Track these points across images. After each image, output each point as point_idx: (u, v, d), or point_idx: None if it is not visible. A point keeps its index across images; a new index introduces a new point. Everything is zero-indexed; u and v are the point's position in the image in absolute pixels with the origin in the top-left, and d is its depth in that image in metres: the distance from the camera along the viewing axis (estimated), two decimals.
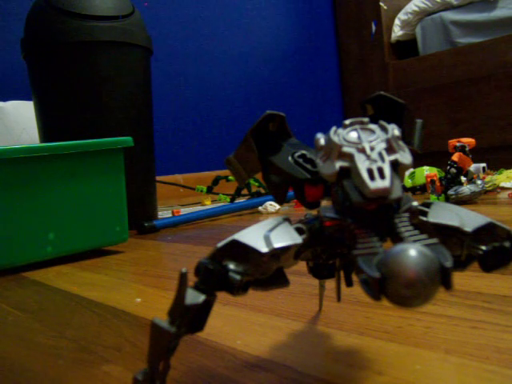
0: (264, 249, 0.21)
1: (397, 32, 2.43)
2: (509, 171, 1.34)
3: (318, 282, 0.36)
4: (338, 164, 0.20)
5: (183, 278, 0.20)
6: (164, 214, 1.24)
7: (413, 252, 0.17)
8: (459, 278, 0.46)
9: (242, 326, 0.38)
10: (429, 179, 1.06)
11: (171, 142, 1.95)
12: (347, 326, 0.36)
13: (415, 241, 0.19)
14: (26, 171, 0.69)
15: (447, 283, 0.17)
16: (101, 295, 0.52)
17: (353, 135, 0.21)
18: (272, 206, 1.15)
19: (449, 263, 0.17)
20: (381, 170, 0.19)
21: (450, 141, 1.10)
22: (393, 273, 0.17)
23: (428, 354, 0.29)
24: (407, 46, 2.48)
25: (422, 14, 2.32)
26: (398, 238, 0.20)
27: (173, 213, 1.14)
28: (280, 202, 0.26)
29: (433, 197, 1.05)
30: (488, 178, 1.23)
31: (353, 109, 2.62)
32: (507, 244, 0.20)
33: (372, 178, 0.19)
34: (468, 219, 0.21)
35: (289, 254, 0.22)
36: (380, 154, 0.20)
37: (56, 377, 0.32)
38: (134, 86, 1.03)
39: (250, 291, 0.43)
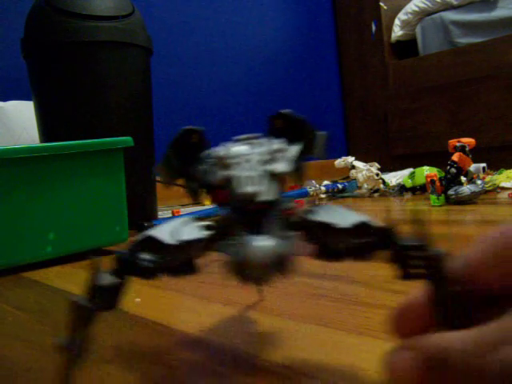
0: (172, 242, 0.25)
1: (397, 32, 2.43)
2: (509, 171, 1.34)
3: None
4: (225, 172, 0.25)
5: (95, 264, 0.25)
6: (164, 213, 1.24)
7: (258, 242, 0.21)
8: None
9: (242, 325, 0.38)
10: (429, 179, 1.06)
11: None
12: (347, 326, 0.36)
13: (272, 235, 0.23)
14: (26, 171, 0.69)
15: (284, 267, 0.22)
16: None
17: (240, 148, 0.26)
18: None
19: (287, 251, 0.22)
20: (253, 178, 0.24)
21: (450, 141, 1.10)
22: (242, 257, 0.21)
23: None
24: (407, 45, 2.48)
25: (422, 14, 2.32)
26: (264, 233, 0.24)
27: (173, 213, 1.14)
28: (197, 203, 0.29)
29: (433, 197, 1.05)
30: (488, 178, 1.23)
31: (353, 109, 2.62)
32: (370, 239, 0.24)
33: (245, 184, 0.24)
34: (345, 218, 0.25)
35: (195, 246, 0.26)
36: (257, 165, 0.25)
37: (56, 377, 0.32)
38: (134, 86, 1.03)
39: (251, 291, 0.43)
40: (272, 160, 0.25)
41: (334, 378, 0.28)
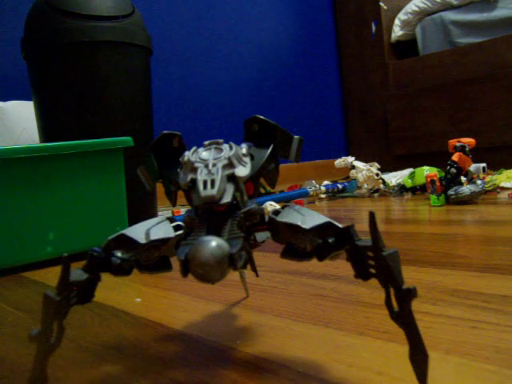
0: (143, 240, 0.27)
1: (397, 32, 2.43)
2: (509, 171, 1.34)
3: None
4: (190, 176, 0.27)
5: (65, 261, 0.26)
6: (164, 214, 1.24)
7: (207, 242, 0.22)
8: (459, 278, 0.46)
9: (242, 325, 0.38)
10: (429, 179, 1.06)
11: None
12: (347, 326, 0.36)
13: (227, 235, 0.24)
14: (26, 171, 0.69)
15: (233, 265, 0.22)
16: (101, 295, 0.52)
17: (205, 154, 0.27)
18: (272, 206, 1.15)
19: (234, 250, 0.22)
20: (213, 182, 0.25)
21: (450, 141, 1.10)
22: (191, 256, 0.22)
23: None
24: (407, 46, 2.48)
25: (422, 14, 2.32)
26: (220, 233, 0.25)
27: (173, 213, 1.14)
28: (174, 204, 0.32)
29: (433, 197, 1.05)
30: (488, 178, 1.23)
31: (353, 109, 2.62)
32: (331, 240, 0.25)
33: (205, 187, 0.25)
34: (309, 219, 0.25)
35: (168, 245, 0.27)
36: (218, 169, 0.26)
37: (56, 377, 0.32)
38: (133, 86, 1.03)
39: (252, 292, 0.43)
40: (234, 165, 0.27)
41: (333, 377, 0.28)
